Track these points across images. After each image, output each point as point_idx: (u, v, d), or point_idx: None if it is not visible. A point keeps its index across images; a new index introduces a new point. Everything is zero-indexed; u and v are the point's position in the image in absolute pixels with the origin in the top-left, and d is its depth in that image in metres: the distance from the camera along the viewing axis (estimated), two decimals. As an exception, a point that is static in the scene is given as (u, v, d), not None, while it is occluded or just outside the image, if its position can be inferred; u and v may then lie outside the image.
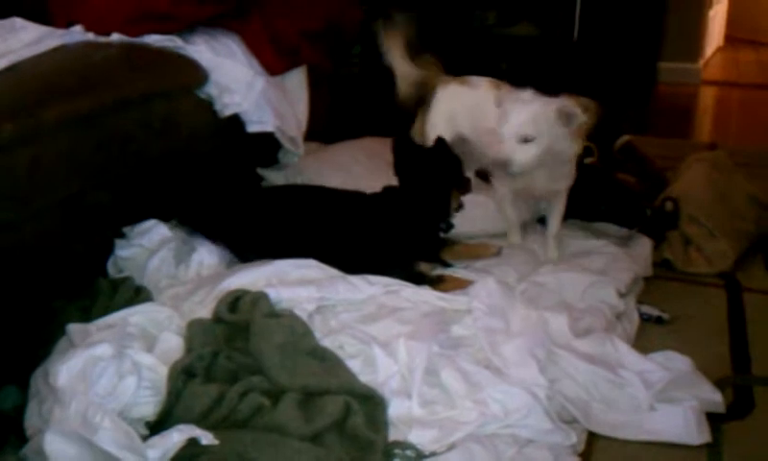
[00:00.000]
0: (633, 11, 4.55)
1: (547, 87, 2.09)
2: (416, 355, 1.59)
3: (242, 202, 2.23)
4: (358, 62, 4.48)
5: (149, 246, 2.02)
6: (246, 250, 2.11)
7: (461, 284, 1.97)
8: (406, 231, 2.08)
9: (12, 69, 1.88)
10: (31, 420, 1.50)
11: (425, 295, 1.88)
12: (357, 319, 1.78)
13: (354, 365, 1.61)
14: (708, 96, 4.92)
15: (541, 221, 2.43)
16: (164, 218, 2.13)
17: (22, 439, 1.48)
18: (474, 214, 2.33)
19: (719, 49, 5.98)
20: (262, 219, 2.14)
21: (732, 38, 6.20)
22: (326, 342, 1.67)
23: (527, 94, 2.06)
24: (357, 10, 3.06)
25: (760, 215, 2.47)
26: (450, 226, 2.15)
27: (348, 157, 2.74)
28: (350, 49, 3.91)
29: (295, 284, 1.85)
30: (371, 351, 1.63)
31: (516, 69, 4.54)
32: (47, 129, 1.72)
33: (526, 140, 2.00)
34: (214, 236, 2.14)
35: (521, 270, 2.13)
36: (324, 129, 2.96)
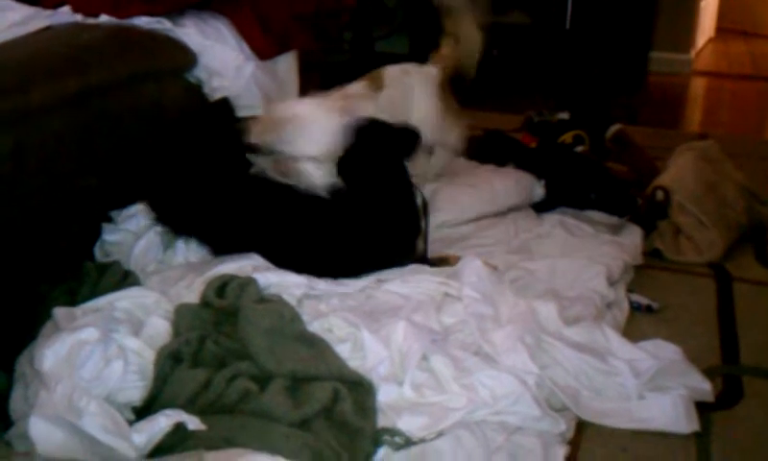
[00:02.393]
0: (625, 0, 4.55)
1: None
2: (413, 341, 1.58)
3: (218, 193, 2.01)
4: (348, 49, 4.47)
5: (136, 231, 1.99)
6: (220, 243, 1.97)
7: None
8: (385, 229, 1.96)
9: (-3, 49, 1.86)
10: (16, 404, 1.48)
11: (422, 283, 1.86)
12: (347, 307, 1.76)
13: (343, 350, 1.60)
14: (698, 86, 4.93)
15: (536, 207, 2.44)
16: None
17: (7, 423, 1.47)
18: (462, 200, 2.33)
19: (710, 40, 5.98)
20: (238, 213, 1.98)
21: (723, 29, 6.21)
22: (316, 325, 1.66)
23: None
24: (348, -5, 3.05)
25: (750, 205, 2.47)
26: (425, 204, 2.07)
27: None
28: (341, 35, 3.89)
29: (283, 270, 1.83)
30: (360, 334, 1.62)
31: (509, 58, 4.56)
32: (34, 110, 1.70)
33: None
34: (185, 230, 2.00)
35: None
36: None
